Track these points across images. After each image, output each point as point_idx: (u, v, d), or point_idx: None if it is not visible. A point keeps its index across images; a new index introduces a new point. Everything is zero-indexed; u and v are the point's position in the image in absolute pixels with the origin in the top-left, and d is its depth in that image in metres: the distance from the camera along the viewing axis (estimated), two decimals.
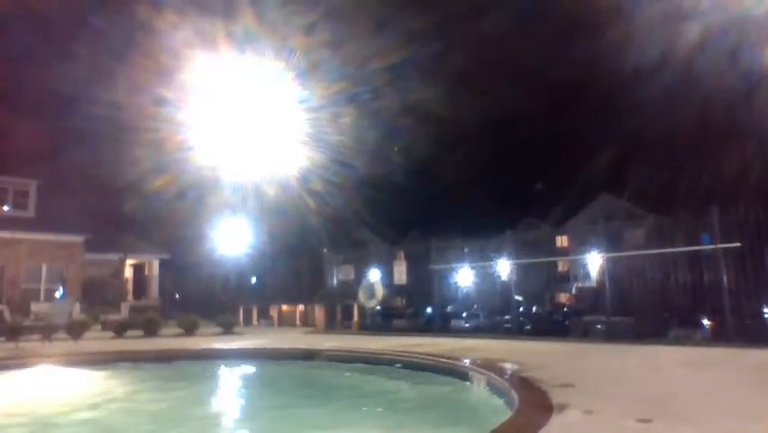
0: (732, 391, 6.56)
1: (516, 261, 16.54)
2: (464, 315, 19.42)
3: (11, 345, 13.33)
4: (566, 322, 17.33)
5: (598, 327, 14.12)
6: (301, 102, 19.66)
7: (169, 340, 15.49)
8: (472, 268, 19.31)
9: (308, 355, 11.99)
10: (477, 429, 5.80)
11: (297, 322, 24.28)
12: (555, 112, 36.23)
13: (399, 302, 25.08)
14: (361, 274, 20.71)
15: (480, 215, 34.63)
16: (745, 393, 6.39)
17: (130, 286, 29.32)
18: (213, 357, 12.48)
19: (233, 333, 18.00)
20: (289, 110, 19.74)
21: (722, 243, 11.83)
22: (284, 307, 25.38)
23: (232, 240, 26.02)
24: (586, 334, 14.35)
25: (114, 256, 27.61)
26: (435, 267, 17.65)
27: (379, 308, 20.26)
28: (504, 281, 17.88)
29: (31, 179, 24.37)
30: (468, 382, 8.33)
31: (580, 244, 20.56)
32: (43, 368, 10.77)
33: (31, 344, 13.63)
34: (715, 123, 23.25)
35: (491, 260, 18.20)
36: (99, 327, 17.83)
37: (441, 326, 17.30)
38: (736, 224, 11.89)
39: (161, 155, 20.47)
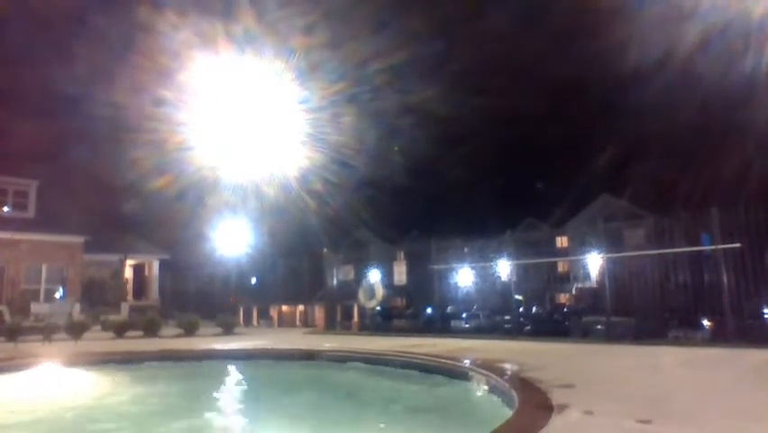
0: (732, 391, 6.56)
1: (517, 261, 16.53)
2: (464, 315, 19.37)
3: (10, 345, 13.34)
4: (566, 322, 17.27)
5: (598, 327, 14.09)
6: (301, 102, 19.68)
7: (169, 340, 15.48)
8: (472, 268, 19.30)
9: (308, 356, 11.99)
10: (477, 430, 5.80)
11: (297, 322, 24.22)
12: (555, 112, 36.23)
13: (399, 302, 25.06)
14: (361, 274, 20.69)
15: (480, 215, 34.70)
16: (744, 394, 6.39)
17: (130, 286, 29.33)
18: (213, 358, 12.47)
19: (234, 333, 17.99)
20: (289, 110, 19.75)
21: (722, 243, 11.82)
22: (284, 307, 25.32)
23: (231, 240, 26.00)
24: (586, 334, 14.32)
25: (114, 257, 27.61)
26: (435, 267, 17.64)
27: (378, 308, 20.23)
28: (504, 282, 17.88)
29: (31, 180, 24.37)
30: (468, 383, 8.33)
31: (580, 245, 20.56)
32: (43, 368, 10.76)
33: (30, 344, 13.63)
34: (715, 123, 23.26)
35: (491, 260, 18.20)
36: (99, 327, 17.82)
37: (441, 326, 17.28)
38: (735, 224, 11.88)
39: (161, 155, 20.48)
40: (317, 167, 21.87)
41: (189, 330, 17.39)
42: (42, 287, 23.17)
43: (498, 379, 7.42)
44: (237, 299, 26.40)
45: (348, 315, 20.95)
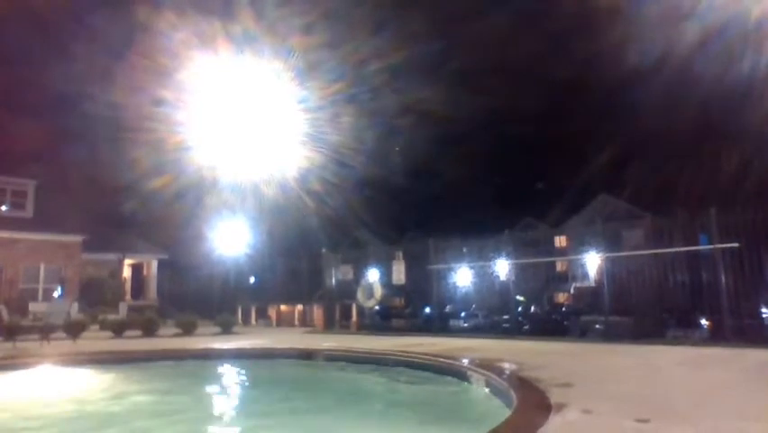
0: (730, 390, 6.57)
1: (515, 261, 16.53)
2: (463, 315, 19.40)
3: (8, 344, 13.32)
4: (564, 322, 17.32)
5: (597, 326, 14.11)
6: (300, 102, 19.69)
7: (167, 340, 15.47)
8: (471, 268, 19.29)
9: (307, 355, 11.99)
10: (475, 429, 5.80)
11: (296, 322, 24.26)
12: (554, 112, 36.23)
13: (398, 302, 25.09)
14: (359, 274, 20.69)
15: (478, 214, 34.68)
16: (743, 393, 6.40)
17: (128, 286, 29.30)
18: (212, 357, 12.47)
19: (232, 333, 17.98)
20: (288, 110, 19.75)
21: (720, 243, 11.84)
22: (282, 307, 25.36)
23: (230, 240, 25.99)
24: (584, 334, 14.34)
25: (112, 256, 27.60)
26: (434, 267, 17.64)
27: (377, 307, 20.24)
28: (502, 281, 17.88)
29: (29, 179, 24.34)
30: (466, 382, 8.34)
31: (579, 244, 20.58)
32: (41, 368, 10.75)
33: (29, 344, 13.61)
34: (713, 123, 23.29)
35: (490, 260, 18.20)
36: (97, 326, 17.80)
37: (439, 325, 17.29)
38: (734, 224, 11.89)
39: (160, 155, 20.47)
40: (316, 167, 21.90)
41: (188, 330, 17.38)
42: (41, 286, 23.15)
43: (497, 378, 7.42)
44: (229, 298, 26.35)
45: (347, 314, 20.95)
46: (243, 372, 11.42)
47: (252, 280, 29.17)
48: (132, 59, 18.06)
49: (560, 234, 28.18)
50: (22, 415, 7.48)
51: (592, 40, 17.88)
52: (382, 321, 19.98)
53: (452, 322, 18.64)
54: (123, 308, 23.86)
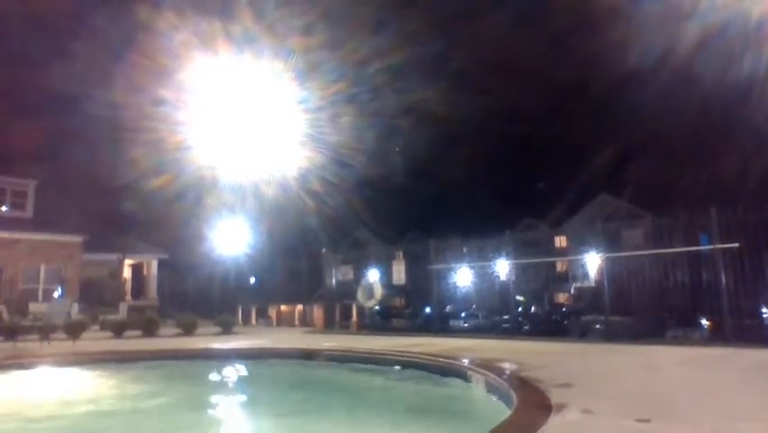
0: (730, 390, 6.57)
1: (515, 261, 16.53)
2: (463, 315, 19.38)
3: (8, 345, 13.32)
4: (564, 322, 17.31)
5: (597, 327, 14.11)
6: (300, 102, 19.69)
7: (167, 340, 15.48)
8: (471, 268, 19.27)
9: (307, 355, 11.99)
10: (476, 429, 5.80)
11: (296, 322, 24.29)
12: (555, 112, 36.24)
13: (398, 302, 25.08)
14: (359, 274, 20.68)
15: (478, 214, 34.66)
16: (743, 393, 6.40)
17: (128, 286, 29.31)
18: (212, 357, 12.47)
19: (232, 333, 17.99)
20: (288, 110, 19.75)
21: (720, 243, 11.83)
22: (283, 307, 25.39)
23: (230, 240, 26.01)
24: (584, 334, 14.34)
25: (112, 256, 27.60)
26: (434, 267, 17.64)
27: (377, 307, 20.25)
28: (503, 281, 17.87)
29: (29, 180, 24.36)
30: (466, 382, 8.34)
31: (579, 244, 20.53)
32: (41, 368, 10.75)
33: (29, 344, 13.61)
34: (714, 123, 23.30)
35: (490, 260, 18.19)
36: (98, 327, 17.81)
37: (439, 325, 17.28)
38: (734, 224, 11.89)
39: (160, 155, 20.48)
40: (316, 167, 21.91)
41: (188, 330, 17.38)
42: (41, 287, 23.14)
43: (497, 378, 7.42)
44: (229, 298, 26.36)
45: (347, 314, 20.95)
46: (244, 372, 11.43)
47: (252, 280, 29.17)
48: (132, 59, 18.07)
49: (560, 234, 28.14)
50: (22, 416, 7.48)
51: (592, 40, 17.88)
52: (382, 321, 19.98)
53: (453, 322, 18.63)
54: (123, 309, 23.86)
